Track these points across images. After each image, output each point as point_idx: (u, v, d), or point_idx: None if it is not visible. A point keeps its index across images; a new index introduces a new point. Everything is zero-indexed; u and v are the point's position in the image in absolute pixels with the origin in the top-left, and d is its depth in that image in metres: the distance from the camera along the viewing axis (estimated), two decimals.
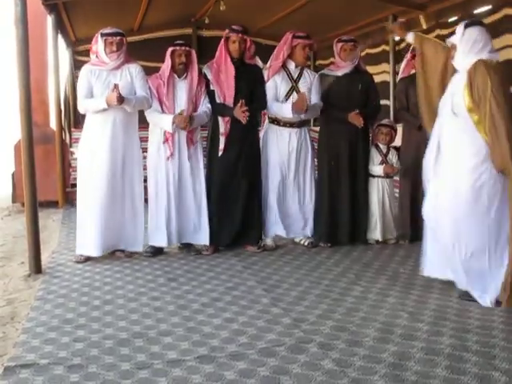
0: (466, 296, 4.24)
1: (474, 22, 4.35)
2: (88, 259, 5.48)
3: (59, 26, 8.84)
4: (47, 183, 8.33)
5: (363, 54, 9.63)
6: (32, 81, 5.14)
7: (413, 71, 6.37)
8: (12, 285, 4.93)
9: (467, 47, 4.19)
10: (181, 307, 4.16)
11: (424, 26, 8.27)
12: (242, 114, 5.49)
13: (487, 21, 7.14)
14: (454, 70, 4.40)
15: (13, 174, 8.92)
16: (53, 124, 9.28)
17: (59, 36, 9.05)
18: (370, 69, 8.90)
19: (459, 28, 4.25)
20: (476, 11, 7.41)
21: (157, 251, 5.74)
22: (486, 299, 4.13)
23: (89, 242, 5.46)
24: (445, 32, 7.83)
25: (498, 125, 3.95)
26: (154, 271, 5.16)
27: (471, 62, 4.13)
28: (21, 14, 4.92)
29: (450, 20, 7.84)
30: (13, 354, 3.37)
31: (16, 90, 5.03)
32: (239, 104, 5.51)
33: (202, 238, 5.76)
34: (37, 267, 5.13)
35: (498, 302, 4.13)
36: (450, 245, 4.22)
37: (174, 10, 9.66)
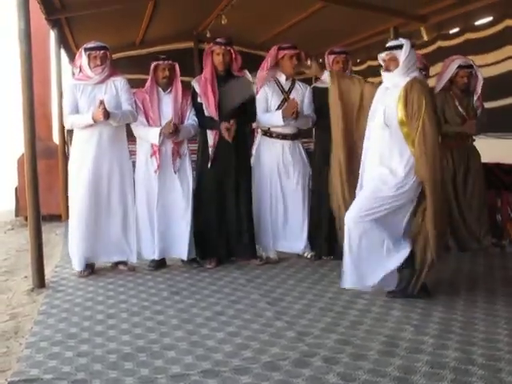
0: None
1: (413, 43, 4.60)
2: (91, 273, 5.48)
3: (62, 41, 8.89)
4: (50, 197, 8.36)
5: (365, 66, 9.69)
6: (35, 95, 5.15)
7: None
8: (15, 299, 4.92)
9: (409, 65, 4.44)
10: (184, 321, 4.15)
11: (425, 38, 8.32)
12: (226, 132, 5.52)
13: (488, 32, 7.20)
14: (371, 94, 4.69)
15: (16, 188, 8.95)
16: (56, 138, 9.31)
17: (62, 50, 9.09)
18: (372, 80, 8.94)
19: (406, 46, 4.43)
20: (477, 22, 7.46)
21: (159, 264, 5.74)
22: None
23: (78, 256, 5.47)
24: (446, 44, 7.87)
25: (428, 140, 4.27)
26: (157, 285, 5.15)
27: (406, 79, 4.40)
28: (24, 29, 4.94)
29: (452, 32, 7.88)
30: (16, 369, 3.36)
31: (19, 104, 5.04)
32: (226, 124, 5.52)
33: (184, 251, 5.72)
34: (40, 281, 5.12)
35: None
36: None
37: (175, 23, 9.71)
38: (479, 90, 6.13)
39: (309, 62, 5.26)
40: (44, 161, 8.30)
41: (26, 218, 7.80)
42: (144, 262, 5.75)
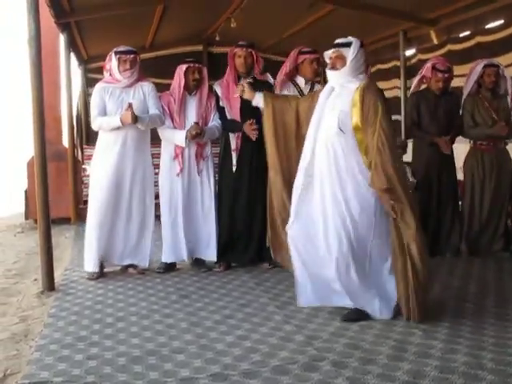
0: (351, 316, 4.20)
1: (363, 43, 4.27)
2: (100, 276, 5.50)
3: (71, 44, 8.92)
4: (60, 200, 8.37)
5: (374, 69, 9.68)
6: (45, 98, 5.17)
7: (423, 86, 6.37)
8: (25, 302, 4.93)
9: (357, 65, 4.16)
10: (193, 324, 4.15)
11: (435, 42, 8.31)
12: (251, 131, 5.51)
13: (499, 36, 7.18)
14: (309, 109, 4.37)
15: (26, 191, 8.97)
16: (65, 141, 9.34)
17: (71, 54, 9.12)
18: (382, 84, 8.91)
19: (355, 44, 4.15)
20: (488, 26, 7.43)
21: (169, 268, 5.75)
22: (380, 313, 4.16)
23: (90, 257, 5.50)
24: (456, 47, 7.85)
25: (386, 145, 3.93)
26: (166, 288, 5.16)
27: (357, 81, 4.13)
28: (34, 32, 4.96)
29: (462, 35, 7.86)
30: (26, 372, 3.37)
31: (29, 107, 5.07)
32: (249, 121, 5.51)
33: (211, 253, 5.78)
34: (50, 284, 5.14)
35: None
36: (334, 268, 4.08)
37: (185, 27, 9.73)
38: (510, 90, 6.12)
39: (239, 87, 5.06)
40: (54, 164, 8.33)
41: (35, 221, 7.82)
42: (153, 265, 5.76)
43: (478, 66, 6.13)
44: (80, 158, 9.83)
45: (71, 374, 3.32)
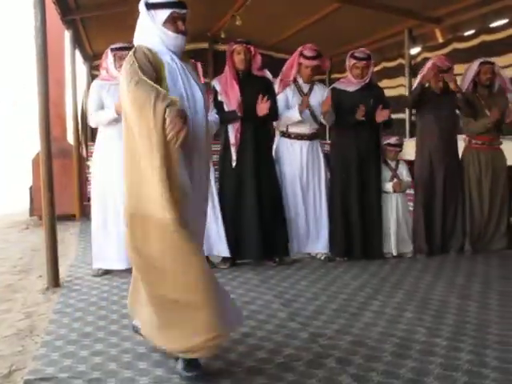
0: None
1: None
2: (106, 273, 5.51)
3: (77, 41, 8.94)
4: (64, 196, 8.39)
5: (379, 67, 9.69)
6: (50, 95, 5.18)
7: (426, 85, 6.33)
8: (30, 298, 4.95)
9: None
10: None
11: (440, 40, 8.31)
12: (263, 106, 5.52)
13: (503, 35, 7.20)
14: None
15: (30, 188, 9.00)
16: (70, 138, 9.36)
17: (76, 51, 9.14)
18: (387, 82, 8.95)
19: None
20: (492, 25, 7.43)
21: None
22: None
23: (112, 255, 5.48)
24: (462, 46, 7.87)
25: None
26: None
27: None
28: (40, 24, 4.95)
29: (467, 33, 7.87)
30: (32, 368, 3.38)
31: (34, 104, 5.08)
32: (259, 99, 5.53)
33: (223, 249, 5.73)
34: (55, 280, 5.16)
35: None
36: None
37: (190, 24, 9.63)
38: (510, 86, 6.15)
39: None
40: (58, 161, 8.33)
41: (40, 218, 7.85)
42: None
43: (474, 64, 6.19)
44: (84, 154, 9.85)
45: (76, 370, 3.32)
